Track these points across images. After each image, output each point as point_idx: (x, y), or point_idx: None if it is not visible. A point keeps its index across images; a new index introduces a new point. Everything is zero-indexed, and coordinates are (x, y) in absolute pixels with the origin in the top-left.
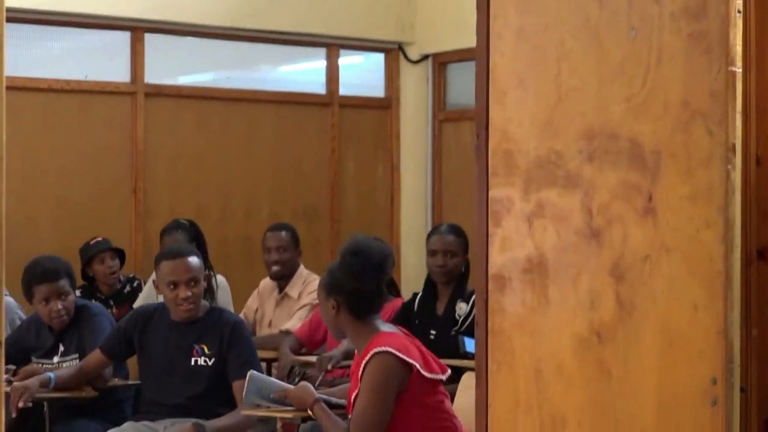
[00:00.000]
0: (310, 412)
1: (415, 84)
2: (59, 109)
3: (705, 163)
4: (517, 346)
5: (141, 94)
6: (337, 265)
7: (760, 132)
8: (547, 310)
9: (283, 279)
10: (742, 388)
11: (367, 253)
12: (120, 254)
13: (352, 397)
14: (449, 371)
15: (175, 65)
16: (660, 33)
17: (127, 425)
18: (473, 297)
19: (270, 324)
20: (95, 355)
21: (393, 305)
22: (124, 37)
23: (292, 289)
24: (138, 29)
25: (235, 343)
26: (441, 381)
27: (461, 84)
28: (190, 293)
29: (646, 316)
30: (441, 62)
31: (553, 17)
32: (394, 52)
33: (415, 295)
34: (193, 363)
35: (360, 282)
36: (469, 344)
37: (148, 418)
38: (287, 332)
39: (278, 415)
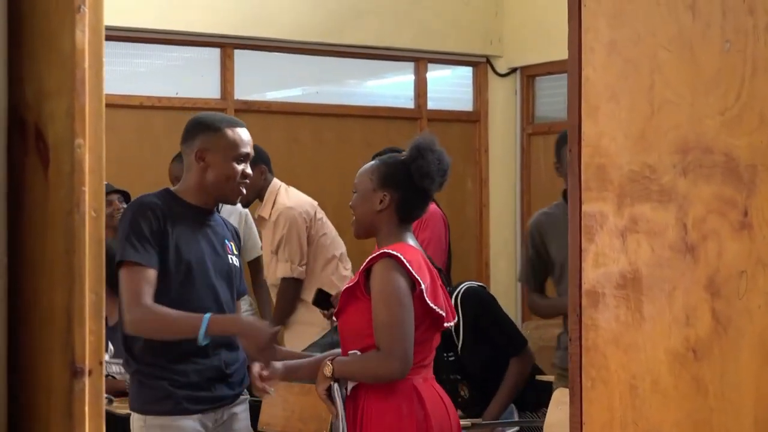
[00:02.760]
0: (325, 374)
1: (503, 97)
2: (151, 126)
3: None
4: (612, 362)
5: (231, 110)
6: (407, 158)
7: None
8: (641, 325)
9: (249, 204)
10: None
11: (441, 153)
12: (125, 196)
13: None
14: (456, 319)
15: (264, 81)
16: (755, 45)
17: None
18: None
19: None
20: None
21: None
22: (214, 53)
23: (264, 210)
24: (227, 46)
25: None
26: (441, 320)
27: (550, 97)
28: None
29: (743, 332)
30: (529, 75)
31: (646, 30)
32: (482, 65)
33: None
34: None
35: (429, 183)
36: None
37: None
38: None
39: None
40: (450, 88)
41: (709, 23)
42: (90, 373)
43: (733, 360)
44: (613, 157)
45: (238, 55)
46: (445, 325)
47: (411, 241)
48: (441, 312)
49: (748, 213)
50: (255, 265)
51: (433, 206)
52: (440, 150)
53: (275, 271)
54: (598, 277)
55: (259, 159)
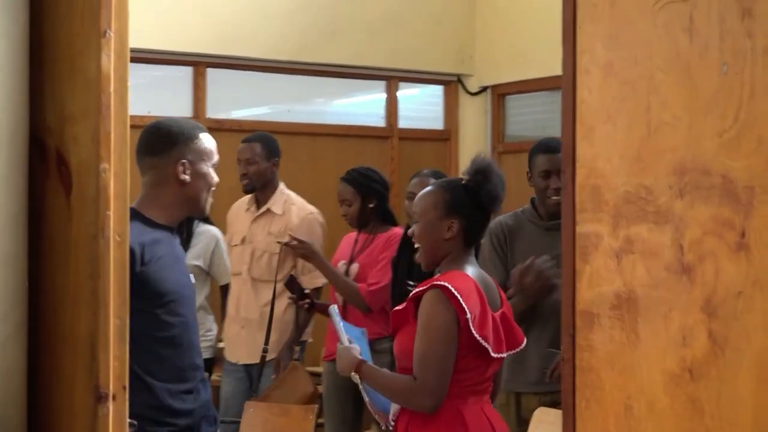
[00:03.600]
0: (354, 376)
1: (474, 116)
2: None
3: None
4: (607, 383)
5: None
6: (471, 183)
7: None
8: (637, 346)
9: (254, 191)
10: None
11: (501, 175)
12: None
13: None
14: (523, 344)
15: (236, 99)
16: (753, 67)
17: None
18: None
19: (243, 240)
20: None
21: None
22: (186, 72)
23: (275, 206)
24: (200, 64)
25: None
26: (493, 357)
27: (520, 116)
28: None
29: (741, 353)
30: (500, 94)
31: (642, 51)
32: (453, 84)
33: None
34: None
35: (497, 206)
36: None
37: None
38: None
39: None
40: (421, 106)
41: (706, 45)
42: (114, 397)
43: (730, 381)
44: (609, 179)
45: (211, 73)
46: (496, 355)
47: (470, 267)
48: (485, 344)
49: (746, 234)
50: (225, 291)
51: (397, 229)
52: (500, 171)
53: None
54: (593, 297)
55: (276, 151)
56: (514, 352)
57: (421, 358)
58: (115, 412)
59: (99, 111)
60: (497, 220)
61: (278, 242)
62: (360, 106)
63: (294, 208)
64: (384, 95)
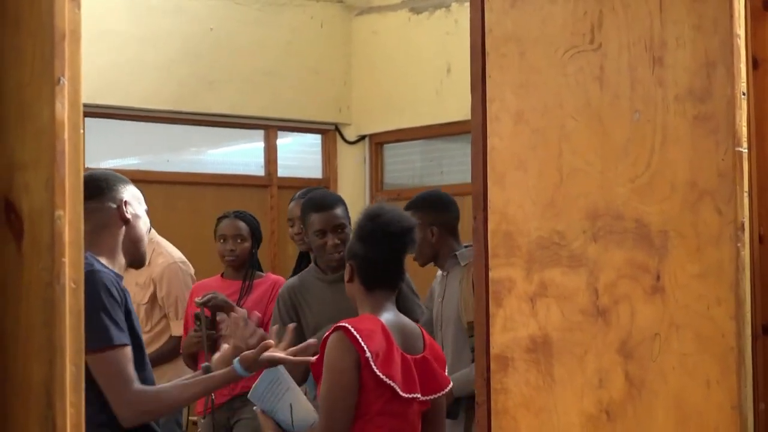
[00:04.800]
0: None
1: (352, 164)
2: None
3: (714, 242)
4: (523, 425)
5: None
6: (364, 222)
7: (762, 209)
8: (553, 389)
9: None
10: None
11: (383, 219)
12: None
13: None
14: (447, 388)
15: (115, 149)
16: (664, 115)
17: None
18: None
19: None
20: None
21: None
22: None
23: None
24: None
25: None
26: (406, 398)
27: (398, 164)
28: None
29: (657, 393)
30: (377, 142)
31: (553, 100)
32: (331, 132)
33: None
34: None
35: (371, 248)
36: None
37: None
38: None
39: None
40: (300, 155)
41: (617, 94)
42: None
43: (647, 421)
44: (521, 224)
45: (88, 122)
46: (408, 395)
47: (385, 312)
48: (389, 382)
49: (661, 277)
50: None
51: (272, 275)
52: (386, 216)
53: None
54: (507, 341)
55: None
56: (435, 396)
57: (324, 400)
58: None
59: (53, 158)
60: (285, 284)
61: (195, 302)
62: (239, 155)
63: (160, 258)
64: (262, 144)
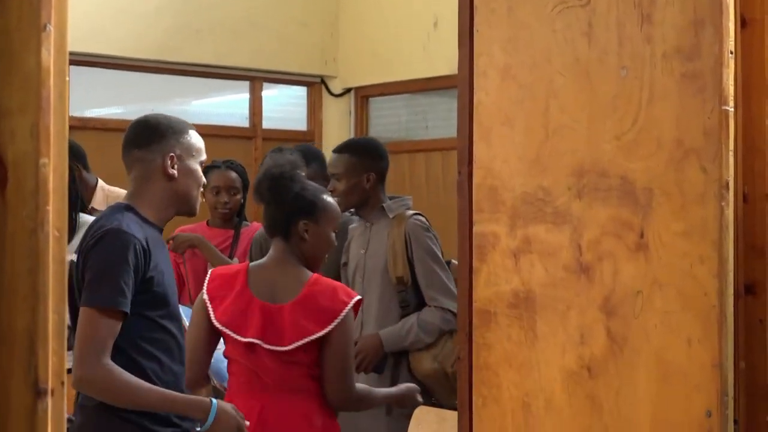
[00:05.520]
0: None
1: (337, 117)
2: None
3: (699, 200)
4: (504, 380)
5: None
6: None
7: (747, 169)
8: (534, 344)
9: (70, 197)
10: (735, 420)
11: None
12: None
13: None
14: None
15: (99, 98)
16: (652, 72)
17: None
18: None
19: None
20: None
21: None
22: None
23: (97, 203)
24: None
25: None
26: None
27: (383, 117)
28: None
29: (639, 351)
30: (363, 96)
31: (541, 56)
32: (316, 85)
33: None
34: None
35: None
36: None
37: None
38: None
39: None
40: (285, 107)
41: (605, 50)
42: (52, 393)
43: (628, 378)
44: (506, 180)
45: (73, 71)
46: (242, 339)
47: (267, 257)
48: (222, 328)
49: (645, 235)
50: None
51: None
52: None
53: None
54: (490, 296)
55: (78, 157)
56: (277, 348)
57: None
58: (53, 408)
59: (39, 106)
60: (259, 230)
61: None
62: (223, 106)
63: (110, 198)
64: (247, 96)
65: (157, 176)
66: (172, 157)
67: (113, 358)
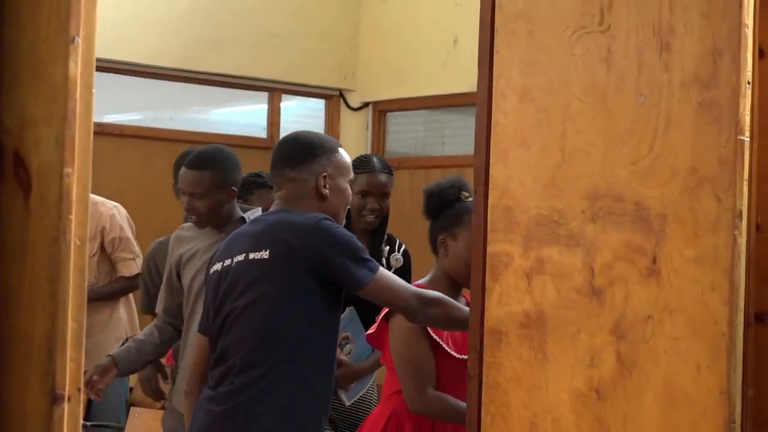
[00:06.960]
0: None
1: (355, 131)
2: None
3: (712, 228)
4: (513, 400)
5: None
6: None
7: (761, 198)
8: (544, 365)
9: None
10: None
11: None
12: None
13: None
14: None
15: (118, 104)
16: (669, 100)
17: None
18: (400, 244)
19: None
20: None
21: None
22: None
23: None
24: None
25: None
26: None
27: (401, 132)
28: None
29: (648, 375)
30: (381, 110)
31: (559, 79)
32: (335, 98)
33: None
34: None
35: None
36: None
37: None
38: None
39: None
40: (303, 119)
41: (623, 76)
42: (69, 399)
43: (636, 402)
44: (521, 201)
45: (96, 77)
46: None
47: None
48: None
49: (657, 261)
50: None
51: None
52: None
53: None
54: (502, 316)
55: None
56: None
57: None
58: (69, 414)
59: (65, 116)
60: (150, 248)
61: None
62: (242, 116)
63: (96, 212)
64: (266, 106)
65: (309, 196)
66: (325, 177)
67: None
